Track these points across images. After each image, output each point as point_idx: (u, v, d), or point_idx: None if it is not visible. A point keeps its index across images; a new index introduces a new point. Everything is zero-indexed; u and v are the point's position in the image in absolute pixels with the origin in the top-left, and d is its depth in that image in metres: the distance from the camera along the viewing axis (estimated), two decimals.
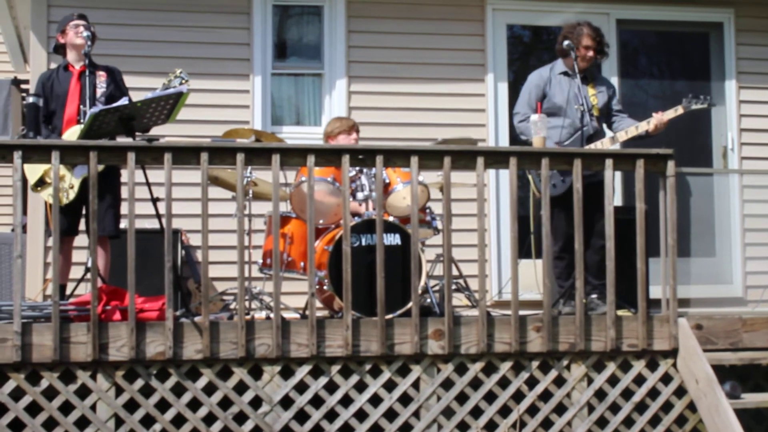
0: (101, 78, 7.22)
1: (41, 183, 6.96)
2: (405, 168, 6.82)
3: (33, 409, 5.94)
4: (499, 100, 9.49)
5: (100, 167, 6.45)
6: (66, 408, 5.98)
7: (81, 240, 7.24)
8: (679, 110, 7.50)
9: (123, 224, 7.33)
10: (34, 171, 6.90)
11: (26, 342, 5.92)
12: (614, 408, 6.57)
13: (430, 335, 6.39)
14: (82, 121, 7.03)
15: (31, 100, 7.20)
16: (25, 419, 5.90)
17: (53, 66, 7.79)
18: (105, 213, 6.96)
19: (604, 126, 7.82)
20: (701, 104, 7.50)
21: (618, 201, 9.01)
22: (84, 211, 7.09)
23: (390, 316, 6.53)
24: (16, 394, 5.94)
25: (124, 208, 7.19)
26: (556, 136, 7.53)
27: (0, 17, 10.11)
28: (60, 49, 7.38)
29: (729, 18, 9.96)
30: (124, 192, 6.12)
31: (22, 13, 9.56)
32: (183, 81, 6.92)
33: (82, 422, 5.99)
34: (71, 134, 7.01)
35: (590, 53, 7.61)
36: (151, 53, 8.92)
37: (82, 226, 7.15)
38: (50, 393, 5.98)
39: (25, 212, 8.38)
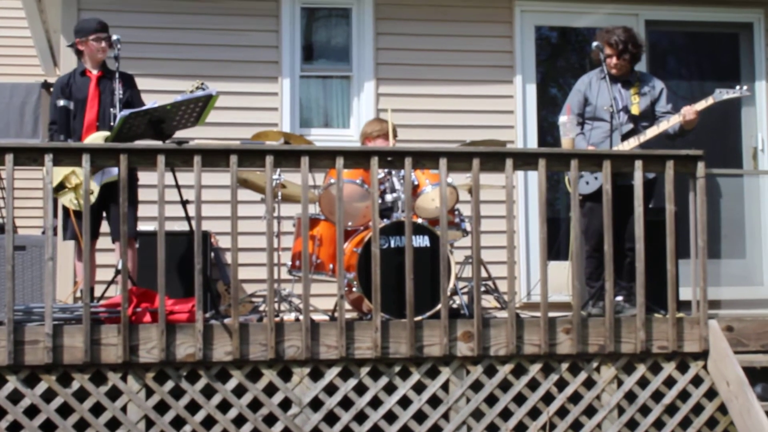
0: (118, 84, 7.24)
1: (61, 188, 7.00)
2: (434, 170, 6.81)
3: (64, 410, 5.98)
4: (527, 101, 9.46)
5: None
6: (97, 409, 6.02)
7: (108, 242, 7.30)
8: (710, 100, 7.37)
9: (142, 226, 7.40)
10: (54, 176, 6.91)
11: (57, 344, 5.96)
12: (644, 410, 6.55)
13: (459, 337, 6.38)
14: (101, 126, 7.10)
15: (61, 103, 7.28)
16: (57, 421, 5.94)
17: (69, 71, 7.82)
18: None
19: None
20: (733, 94, 7.35)
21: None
22: (105, 215, 7.17)
23: (419, 318, 6.53)
24: (48, 396, 5.98)
25: (141, 211, 7.26)
26: (595, 138, 7.52)
27: (30, 21, 10.19)
28: (77, 50, 7.42)
29: (759, 18, 9.89)
30: (155, 195, 6.13)
31: (52, 17, 9.63)
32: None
33: (113, 424, 6.03)
34: (93, 140, 7.04)
35: (613, 60, 7.54)
36: (180, 56, 8.94)
37: (103, 229, 7.21)
38: (81, 394, 6.02)
39: (55, 215, 8.41)
